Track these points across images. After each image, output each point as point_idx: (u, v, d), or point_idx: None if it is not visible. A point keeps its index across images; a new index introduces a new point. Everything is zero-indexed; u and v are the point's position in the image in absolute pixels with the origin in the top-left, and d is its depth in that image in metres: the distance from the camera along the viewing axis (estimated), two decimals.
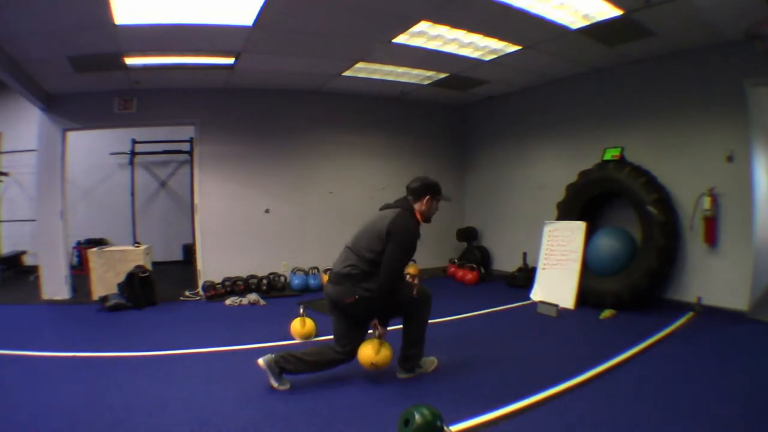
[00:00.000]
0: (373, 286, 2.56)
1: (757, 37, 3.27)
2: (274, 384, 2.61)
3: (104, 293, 4.83)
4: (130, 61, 4.30)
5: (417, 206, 2.70)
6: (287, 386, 2.62)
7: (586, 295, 4.45)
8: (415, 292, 2.75)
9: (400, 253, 2.56)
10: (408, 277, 2.92)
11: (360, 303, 2.58)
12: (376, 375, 2.82)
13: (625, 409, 2.31)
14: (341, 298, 2.62)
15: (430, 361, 2.88)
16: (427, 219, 2.75)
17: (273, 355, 2.63)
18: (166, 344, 3.49)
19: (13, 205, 6.85)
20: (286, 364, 2.62)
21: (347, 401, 2.47)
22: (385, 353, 2.67)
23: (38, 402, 2.46)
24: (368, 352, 2.65)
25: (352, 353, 2.71)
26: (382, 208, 2.81)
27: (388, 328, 2.80)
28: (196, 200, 5.60)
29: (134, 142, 7.39)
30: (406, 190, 2.76)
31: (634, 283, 4.18)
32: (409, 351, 2.78)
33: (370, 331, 2.75)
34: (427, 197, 2.70)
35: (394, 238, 2.53)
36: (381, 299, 2.58)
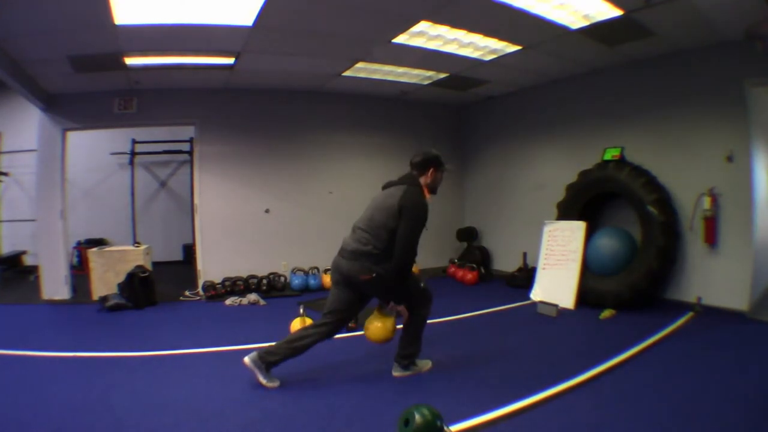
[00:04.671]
0: (390, 265, 2.57)
1: (757, 37, 3.27)
2: (263, 381, 2.62)
3: (104, 293, 4.83)
4: (130, 61, 4.30)
5: (422, 180, 2.72)
6: (277, 383, 2.63)
7: (586, 295, 4.45)
8: (422, 282, 2.78)
9: (414, 227, 2.56)
10: None
11: (376, 281, 2.58)
12: (375, 375, 2.83)
13: (625, 409, 2.31)
14: (357, 275, 2.60)
15: (424, 363, 2.91)
16: (433, 191, 2.77)
17: (257, 352, 2.65)
18: (166, 344, 3.49)
19: (13, 205, 6.85)
20: (271, 357, 2.63)
21: (347, 401, 2.47)
22: (394, 331, 2.77)
23: (38, 402, 2.46)
24: (382, 330, 2.72)
25: (338, 329, 2.74)
26: (385, 186, 2.81)
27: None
28: (196, 200, 5.60)
29: (134, 142, 7.39)
30: (410, 166, 2.78)
31: (634, 283, 4.18)
32: (407, 349, 2.80)
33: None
34: (432, 169, 2.72)
35: (408, 214, 2.54)
36: (399, 276, 2.56)
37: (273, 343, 2.73)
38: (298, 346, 2.68)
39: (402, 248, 2.53)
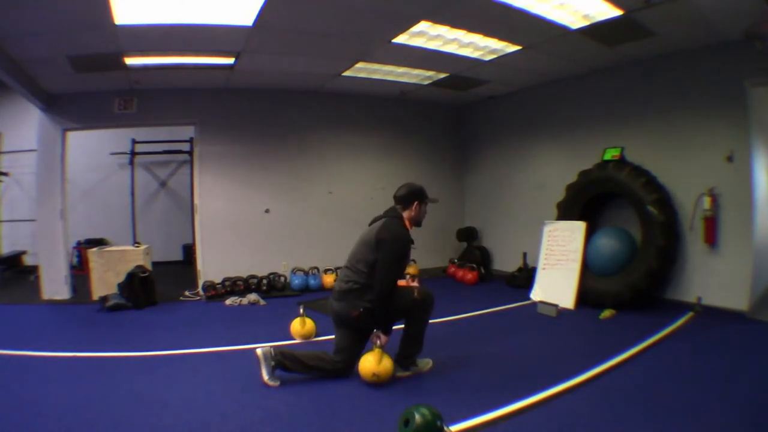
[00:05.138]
0: (374, 296, 2.61)
1: (757, 37, 3.27)
2: (265, 377, 2.62)
3: (104, 293, 4.83)
4: (130, 61, 4.30)
5: (406, 213, 2.78)
6: (277, 383, 2.64)
7: (586, 295, 4.45)
8: (416, 294, 2.76)
9: (392, 259, 2.61)
10: (408, 278, 2.95)
11: (365, 315, 2.64)
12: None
13: (625, 410, 2.31)
14: (347, 313, 2.67)
15: (425, 362, 2.91)
16: (417, 224, 2.83)
17: (272, 349, 2.66)
18: (166, 344, 3.49)
19: (13, 205, 6.85)
20: (284, 360, 2.64)
21: (347, 401, 2.47)
22: (387, 364, 2.67)
23: (38, 402, 2.46)
24: (370, 363, 2.65)
25: (351, 366, 2.75)
26: (371, 222, 2.87)
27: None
28: (196, 200, 5.60)
29: (134, 142, 7.39)
30: (394, 200, 2.82)
31: (634, 283, 4.18)
32: (408, 350, 2.80)
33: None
34: (416, 202, 2.79)
35: (385, 246, 2.60)
36: (381, 307, 2.61)
37: (292, 348, 2.75)
38: (313, 366, 2.70)
39: (381, 280, 2.58)
